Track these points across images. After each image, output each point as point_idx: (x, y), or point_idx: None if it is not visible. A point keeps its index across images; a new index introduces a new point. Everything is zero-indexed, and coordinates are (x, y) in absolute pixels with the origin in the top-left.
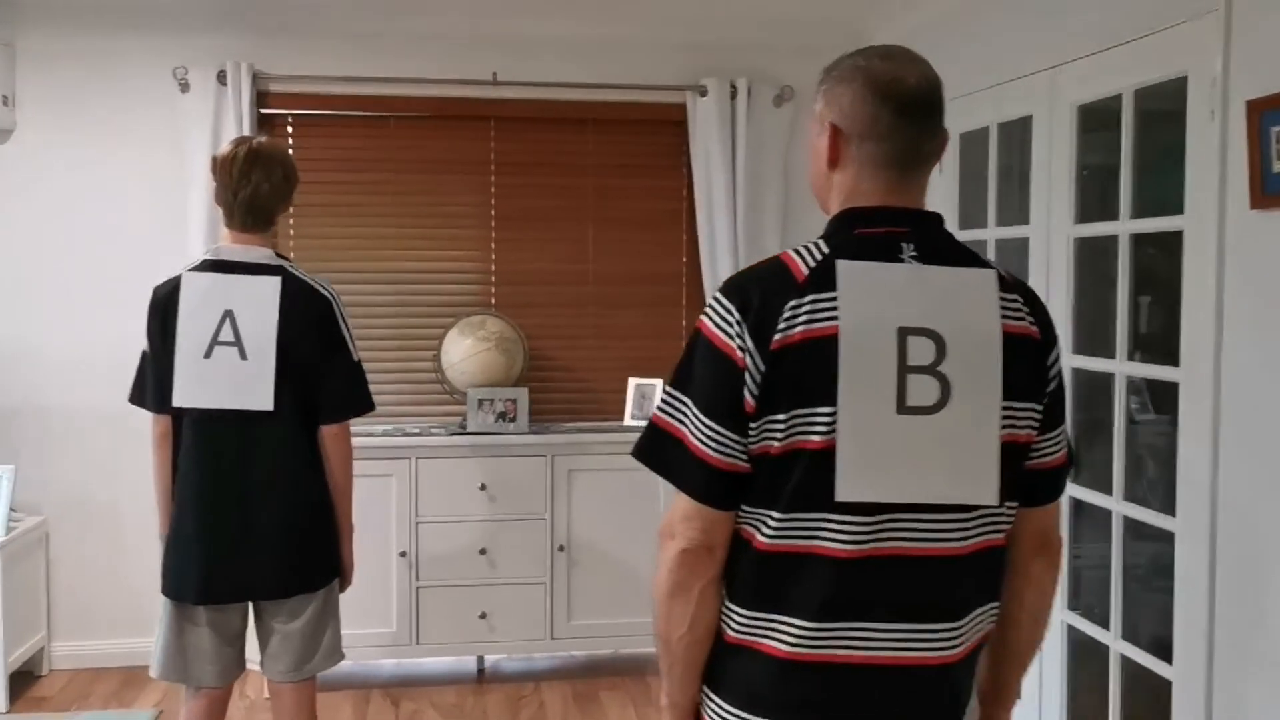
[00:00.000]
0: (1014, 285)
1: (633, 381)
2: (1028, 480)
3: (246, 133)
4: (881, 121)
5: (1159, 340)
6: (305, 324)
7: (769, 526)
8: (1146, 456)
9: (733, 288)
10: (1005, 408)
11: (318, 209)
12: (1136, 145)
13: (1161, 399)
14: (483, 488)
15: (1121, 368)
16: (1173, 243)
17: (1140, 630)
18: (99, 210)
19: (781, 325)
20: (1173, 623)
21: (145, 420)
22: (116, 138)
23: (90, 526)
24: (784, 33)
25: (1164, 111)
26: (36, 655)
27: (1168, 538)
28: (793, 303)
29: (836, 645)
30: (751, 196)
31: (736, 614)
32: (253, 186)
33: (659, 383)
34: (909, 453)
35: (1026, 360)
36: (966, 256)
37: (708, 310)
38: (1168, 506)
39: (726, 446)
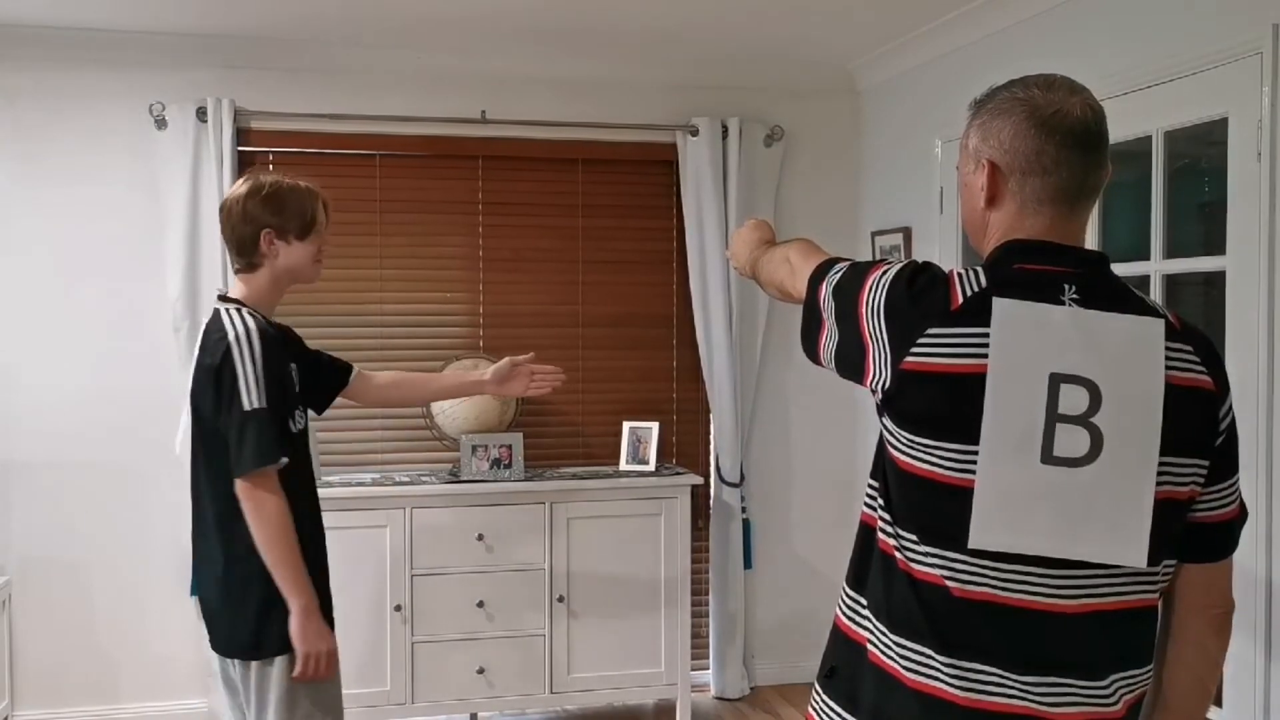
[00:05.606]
0: (1185, 333)
1: (627, 425)
2: (1191, 535)
3: (227, 171)
4: (1046, 155)
5: None
6: (204, 371)
7: (913, 551)
8: None
9: (902, 282)
10: (1165, 463)
11: None
12: (1168, 187)
13: None
14: (480, 537)
15: None
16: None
17: None
18: (66, 253)
19: (917, 350)
20: None
21: (116, 470)
22: (86, 177)
23: (57, 586)
24: (774, 74)
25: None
26: None
27: None
28: (935, 330)
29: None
30: None
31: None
32: (228, 226)
33: (654, 425)
34: (1051, 505)
35: (1195, 413)
36: (1133, 302)
37: (882, 276)
38: None
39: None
